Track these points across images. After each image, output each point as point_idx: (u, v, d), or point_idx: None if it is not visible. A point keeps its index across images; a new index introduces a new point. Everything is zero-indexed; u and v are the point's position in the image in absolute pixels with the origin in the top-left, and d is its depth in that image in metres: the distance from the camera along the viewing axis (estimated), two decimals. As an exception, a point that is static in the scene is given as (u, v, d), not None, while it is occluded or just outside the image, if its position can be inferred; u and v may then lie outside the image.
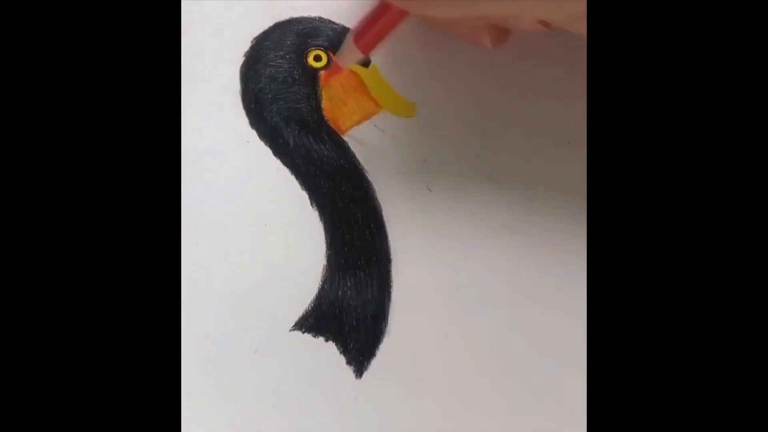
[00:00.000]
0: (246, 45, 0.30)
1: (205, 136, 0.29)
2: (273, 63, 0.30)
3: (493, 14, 0.24)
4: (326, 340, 0.28)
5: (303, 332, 0.28)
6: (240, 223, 0.28)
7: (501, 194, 0.29)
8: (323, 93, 0.30)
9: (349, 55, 0.28)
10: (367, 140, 0.29)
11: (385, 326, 0.28)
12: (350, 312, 0.28)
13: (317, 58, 0.30)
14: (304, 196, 0.29)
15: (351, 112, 0.30)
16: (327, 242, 0.28)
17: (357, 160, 0.29)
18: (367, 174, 0.29)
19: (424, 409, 0.27)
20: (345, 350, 0.28)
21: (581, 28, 0.21)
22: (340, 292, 0.28)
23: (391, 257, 0.28)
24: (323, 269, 0.28)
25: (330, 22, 0.30)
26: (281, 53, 0.30)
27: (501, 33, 0.26)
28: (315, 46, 0.30)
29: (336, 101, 0.30)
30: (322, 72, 0.30)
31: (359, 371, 0.27)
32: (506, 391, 0.27)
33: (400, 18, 0.26)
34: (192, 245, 0.28)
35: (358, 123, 0.30)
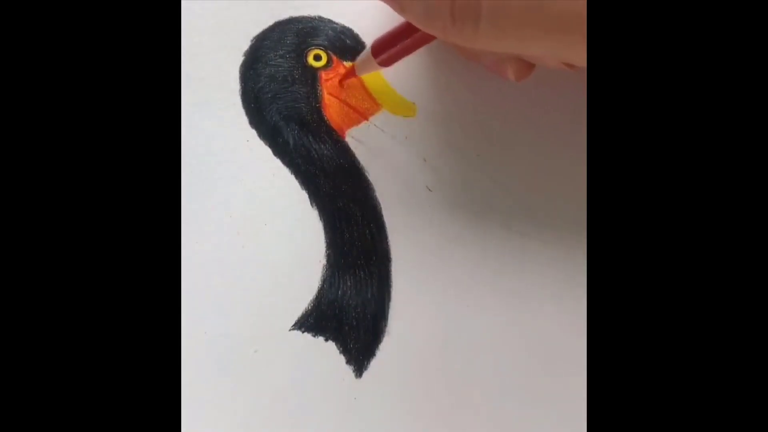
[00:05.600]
0: (246, 44, 0.30)
1: (204, 136, 0.29)
2: (273, 62, 0.30)
3: (524, 53, 0.24)
4: (326, 340, 0.28)
5: (303, 332, 0.28)
6: (240, 223, 0.28)
7: (501, 194, 0.29)
8: (323, 92, 0.30)
9: (367, 65, 0.28)
10: (367, 140, 0.29)
11: (385, 326, 0.28)
12: (350, 312, 0.28)
13: (317, 58, 0.30)
14: (303, 195, 0.29)
15: (351, 111, 0.30)
16: (327, 242, 0.28)
17: (357, 159, 0.29)
18: (366, 173, 0.29)
19: (424, 409, 0.27)
20: (345, 350, 0.28)
21: None
22: (339, 292, 0.28)
23: (391, 257, 0.28)
24: (323, 269, 0.28)
25: (330, 21, 0.30)
26: (281, 52, 0.30)
27: (525, 67, 0.26)
28: (315, 45, 0.30)
29: (336, 100, 0.30)
30: (321, 71, 0.30)
31: (359, 371, 0.27)
32: (506, 391, 0.27)
33: (425, 41, 0.25)
34: (192, 245, 0.28)
35: (357, 122, 0.30)
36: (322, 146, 0.29)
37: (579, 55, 0.21)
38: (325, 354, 0.28)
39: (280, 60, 0.30)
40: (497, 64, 0.26)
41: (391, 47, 0.26)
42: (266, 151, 0.29)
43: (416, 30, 0.25)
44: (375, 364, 0.28)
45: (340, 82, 0.29)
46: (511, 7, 0.21)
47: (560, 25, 0.20)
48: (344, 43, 0.30)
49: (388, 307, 0.28)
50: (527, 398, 0.27)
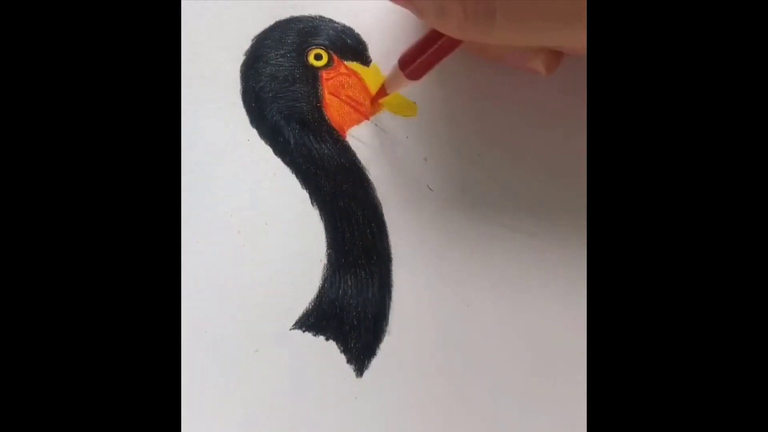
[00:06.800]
0: (246, 43, 0.30)
1: (205, 135, 0.29)
2: (273, 62, 0.30)
3: (546, 43, 0.24)
4: (327, 339, 0.28)
5: (303, 331, 0.28)
6: (240, 222, 0.28)
7: (501, 193, 0.29)
8: (324, 92, 0.30)
9: (396, 81, 0.27)
10: (368, 139, 0.29)
11: (386, 325, 0.28)
12: (351, 311, 0.28)
13: (318, 57, 0.30)
14: (304, 194, 0.29)
15: (352, 110, 0.30)
16: (327, 241, 0.28)
17: (357, 158, 0.29)
18: (367, 173, 0.29)
19: (424, 408, 0.27)
20: (345, 349, 0.28)
21: None
22: (340, 291, 0.28)
23: (392, 256, 0.28)
24: (324, 268, 0.28)
25: (331, 20, 0.30)
26: (282, 52, 0.30)
27: (554, 58, 0.25)
28: (316, 44, 0.30)
29: (336, 100, 0.30)
30: (322, 71, 0.30)
31: (360, 370, 0.27)
32: (506, 390, 0.27)
33: (453, 47, 0.25)
34: (192, 245, 0.28)
35: (358, 122, 0.30)
36: (323, 145, 0.29)
37: None
38: (325, 353, 0.28)
39: (281, 59, 0.30)
40: (523, 60, 0.25)
41: (417, 58, 0.26)
42: (267, 150, 0.29)
43: (440, 37, 0.25)
44: (376, 363, 0.28)
45: (372, 102, 0.29)
46: None
47: (581, 9, 0.19)
48: (345, 43, 0.30)
49: (389, 307, 0.28)
50: (527, 398, 0.27)
